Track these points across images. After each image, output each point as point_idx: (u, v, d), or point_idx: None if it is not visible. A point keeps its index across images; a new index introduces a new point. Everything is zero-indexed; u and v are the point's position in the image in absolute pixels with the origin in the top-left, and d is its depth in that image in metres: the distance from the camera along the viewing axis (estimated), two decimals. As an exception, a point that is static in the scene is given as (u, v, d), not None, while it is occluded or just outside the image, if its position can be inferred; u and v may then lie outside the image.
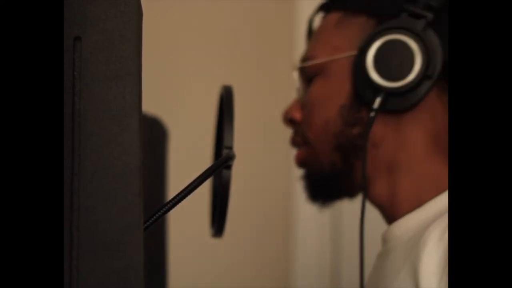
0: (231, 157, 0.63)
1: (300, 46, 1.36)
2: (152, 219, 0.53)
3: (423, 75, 0.72)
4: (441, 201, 0.74)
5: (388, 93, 0.73)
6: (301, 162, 0.85)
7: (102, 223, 0.43)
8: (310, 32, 0.87)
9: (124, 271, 0.42)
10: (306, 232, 1.59)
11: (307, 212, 1.56)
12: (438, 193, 0.75)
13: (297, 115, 0.85)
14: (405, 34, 0.73)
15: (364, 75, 0.74)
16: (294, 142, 0.86)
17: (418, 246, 0.71)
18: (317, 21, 0.87)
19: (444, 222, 0.70)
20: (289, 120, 0.86)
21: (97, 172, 0.43)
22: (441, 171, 0.76)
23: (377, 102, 0.73)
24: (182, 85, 1.51)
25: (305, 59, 0.83)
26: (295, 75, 0.85)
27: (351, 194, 0.85)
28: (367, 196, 0.80)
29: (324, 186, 0.84)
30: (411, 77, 0.72)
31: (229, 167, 0.63)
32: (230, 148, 0.64)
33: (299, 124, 0.84)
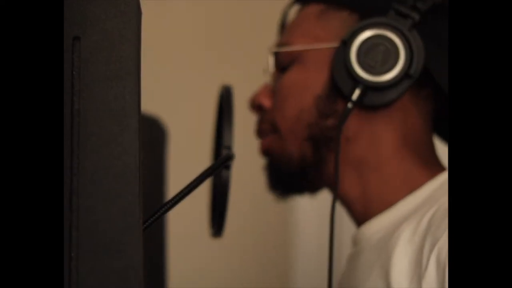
0: (230, 157, 0.63)
1: (300, 46, 1.36)
2: (152, 219, 0.53)
3: (405, 74, 0.72)
4: (411, 202, 0.74)
5: (368, 87, 0.73)
6: (267, 150, 0.83)
7: (102, 223, 0.43)
8: (283, 23, 0.86)
9: (124, 271, 0.42)
10: (306, 232, 1.59)
11: (307, 212, 1.56)
12: (407, 193, 0.75)
13: (267, 102, 0.82)
14: (392, 31, 0.73)
15: (345, 67, 0.74)
16: (260, 130, 0.84)
17: (388, 247, 0.71)
18: (292, 13, 0.85)
19: (414, 222, 0.70)
20: (257, 106, 0.84)
21: (96, 172, 0.43)
22: (410, 171, 0.76)
23: (356, 94, 0.73)
24: (182, 85, 1.51)
25: (281, 45, 0.82)
26: (271, 60, 0.83)
27: (313, 189, 0.84)
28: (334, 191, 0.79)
29: (289, 177, 0.82)
30: (393, 73, 0.72)
31: (228, 167, 0.63)
32: (230, 148, 0.64)
33: (267, 111, 0.82)
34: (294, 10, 0.85)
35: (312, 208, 1.55)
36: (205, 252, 1.45)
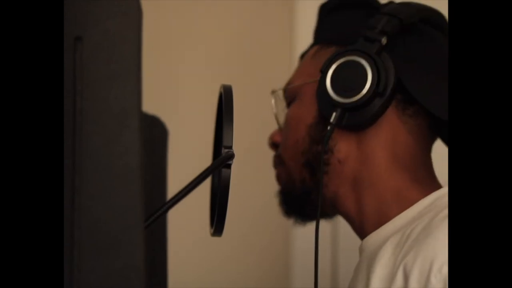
0: (230, 157, 0.63)
1: (300, 45, 1.36)
2: (152, 218, 0.53)
3: (374, 92, 0.78)
4: (404, 217, 0.79)
5: (345, 109, 0.80)
6: (279, 181, 0.92)
7: (103, 222, 0.43)
8: None
9: (125, 270, 0.42)
10: (306, 232, 1.59)
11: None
12: (399, 207, 0.80)
13: (278, 139, 0.92)
14: (359, 56, 0.79)
15: (324, 94, 0.81)
16: (273, 161, 0.94)
17: (376, 258, 0.76)
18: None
19: (399, 236, 0.75)
20: (272, 144, 0.94)
21: (97, 172, 0.43)
22: (402, 187, 0.81)
23: (333, 117, 0.80)
24: (182, 85, 1.51)
25: (285, 86, 0.91)
26: (272, 101, 0.93)
27: (326, 214, 0.92)
28: (338, 212, 0.87)
29: (296, 202, 0.90)
30: (362, 93, 0.78)
31: (228, 166, 0.64)
32: (230, 147, 0.64)
33: (279, 146, 0.92)
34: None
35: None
36: (205, 251, 1.45)
